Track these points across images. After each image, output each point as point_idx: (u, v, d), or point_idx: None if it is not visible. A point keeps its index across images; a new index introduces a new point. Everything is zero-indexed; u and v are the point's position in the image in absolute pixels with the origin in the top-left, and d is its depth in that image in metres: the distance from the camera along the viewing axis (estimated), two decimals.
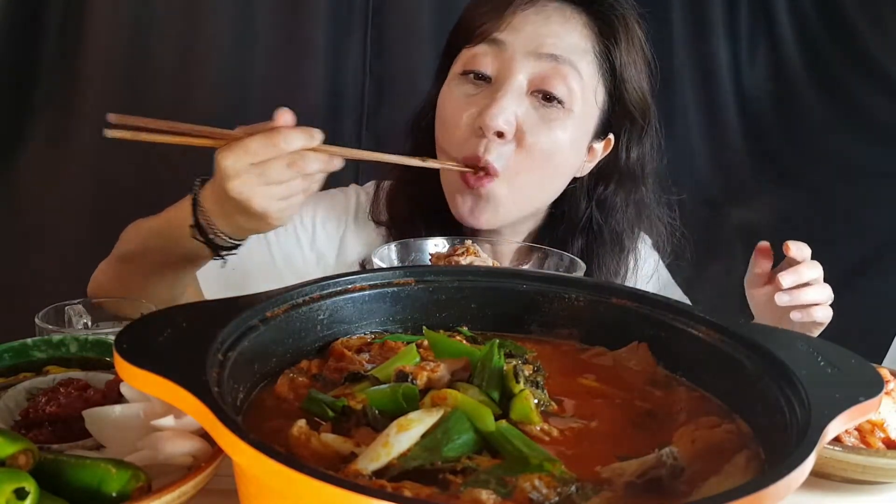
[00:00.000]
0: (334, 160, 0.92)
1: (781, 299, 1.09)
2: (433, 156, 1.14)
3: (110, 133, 0.93)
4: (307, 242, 1.23)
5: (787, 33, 2.00)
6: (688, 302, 1.36)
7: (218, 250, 0.99)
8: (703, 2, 1.99)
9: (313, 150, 0.89)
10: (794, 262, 1.11)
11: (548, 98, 1.08)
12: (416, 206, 1.21)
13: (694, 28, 2.01)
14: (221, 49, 1.85)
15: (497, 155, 1.07)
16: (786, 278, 1.09)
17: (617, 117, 1.16)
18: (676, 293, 1.38)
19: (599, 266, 1.20)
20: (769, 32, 2.02)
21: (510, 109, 1.06)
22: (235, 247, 0.99)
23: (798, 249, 1.10)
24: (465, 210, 1.12)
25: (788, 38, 2.00)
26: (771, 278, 1.15)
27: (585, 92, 1.10)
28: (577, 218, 1.20)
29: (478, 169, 1.08)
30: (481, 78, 1.10)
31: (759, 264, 1.17)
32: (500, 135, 1.06)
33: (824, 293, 1.12)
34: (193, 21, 1.84)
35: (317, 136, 0.89)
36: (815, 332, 1.16)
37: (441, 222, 1.18)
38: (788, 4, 1.99)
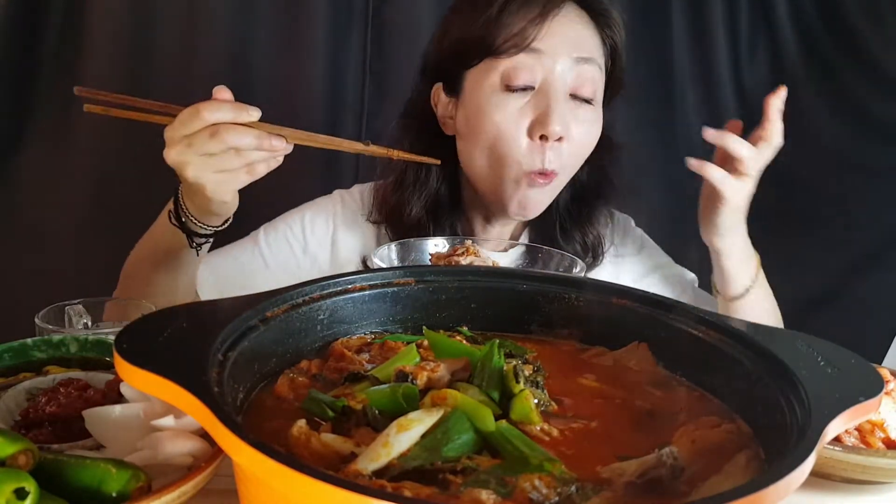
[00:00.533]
0: (273, 139, 0.95)
1: (707, 134, 1.12)
2: (441, 157, 1.16)
3: (87, 108, 0.98)
4: (299, 249, 1.30)
5: (787, 33, 2.00)
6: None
7: (191, 236, 1.07)
8: (703, 2, 2.00)
9: (249, 126, 0.94)
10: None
11: (579, 99, 1.17)
12: (419, 207, 1.25)
13: (694, 28, 2.01)
14: (221, 49, 1.85)
15: (554, 158, 1.16)
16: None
17: (606, 92, 1.26)
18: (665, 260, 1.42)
19: (588, 219, 1.30)
20: (769, 32, 2.02)
21: (565, 115, 1.15)
22: (208, 235, 1.08)
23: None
24: (525, 203, 1.19)
25: (788, 38, 2.00)
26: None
27: (601, 84, 1.21)
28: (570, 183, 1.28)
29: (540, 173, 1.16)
30: (523, 88, 1.15)
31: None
32: (559, 139, 1.15)
33: (749, 157, 1.12)
34: (193, 21, 1.84)
35: (252, 112, 0.94)
36: (721, 210, 1.14)
37: (438, 220, 1.25)
38: (788, 4, 1.99)
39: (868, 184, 1.96)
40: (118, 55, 1.83)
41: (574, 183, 1.27)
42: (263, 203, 1.31)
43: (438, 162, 1.11)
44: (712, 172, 1.11)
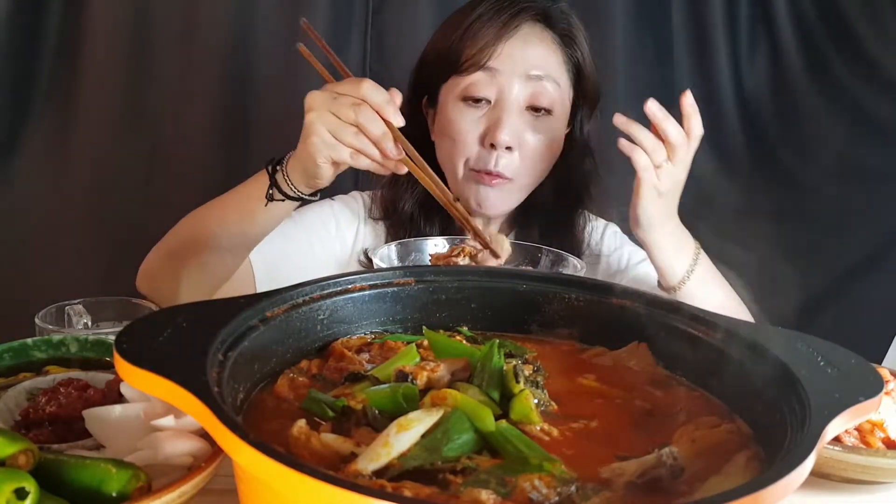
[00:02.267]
0: (390, 145, 0.99)
1: (618, 121, 1.09)
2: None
3: (300, 48, 1.05)
4: (334, 230, 1.38)
5: (787, 33, 2.00)
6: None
7: (273, 186, 1.09)
8: (703, 2, 2.00)
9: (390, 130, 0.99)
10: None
11: (538, 110, 1.27)
12: (411, 203, 1.35)
13: (694, 28, 2.01)
14: (221, 49, 1.85)
15: (505, 164, 1.26)
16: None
17: (577, 104, 1.36)
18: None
19: (566, 223, 1.39)
20: (769, 32, 2.02)
21: (514, 127, 1.25)
22: (289, 196, 1.09)
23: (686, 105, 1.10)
24: (480, 200, 1.29)
25: (788, 38, 2.00)
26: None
27: (562, 95, 1.30)
28: (544, 186, 1.36)
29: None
30: (479, 101, 1.26)
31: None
32: (509, 148, 1.25)
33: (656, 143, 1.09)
34: (193, 21, 1.84)
35: (399, 119, 0.99)
36: (642, 196, 1.11)
37: (435, 217, 1.33)
38: (788, 4, 1.99)
39: (868, 184, 1.96)
40: (118, 55, 1.83)
41: (554, 188, 1.36)
42: None
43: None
44: (638, 157, 1.09)
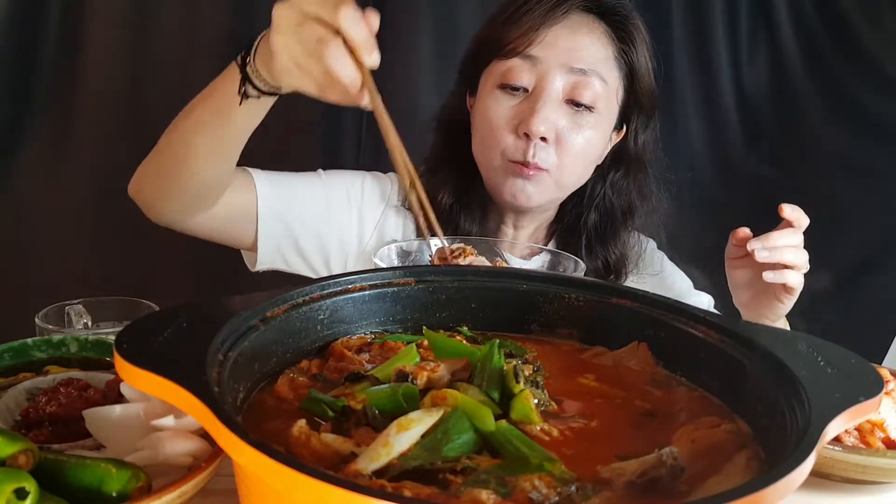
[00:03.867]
0: (363, 96, 0.88)
1: (761, 255, 1.09)
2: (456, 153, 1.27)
3: None
4: (356, 203, 1.32)
5: (787, 33, 2.00)
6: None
7: (246, 80, 0.97)
8: (703, 2, 1.99)
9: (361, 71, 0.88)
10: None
11: (578, 105, 1.21)
12: (449, 196, 1.30)
13: (694, 28, 2.01)
14: (221, 49, 1.84)
15: (542, 156, 1.21)
16: (759, 241, 1.10)
17: (630, 109, 1.29)
18: (685, 283, 1.43)
19: (614, 237, 1.34)
20: (769, 32, 2.02)
21: (550, 118, 1.19)
22: (261, 91, 0.97)
23: (791, 211, 1.11)
24: (514, 192, 1.24)
25: (788, 38, 2.00)
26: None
27: (609, 94, 1.24)
28: (593, 197, 1.34)
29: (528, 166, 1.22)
30: (517, 89, 1.21)
31: (737, 237, 1.18)
32: (544, 139, 1.20)
33: (800, 257, 1.11)
34: (193, 21, 1.84)
35: (375, 57, 0.88)
36: (787, 301, 1.16)
37: (475, 211, 1.30)
38: (788, 4, 1.99)
39: (868, 184, 1.96)
40: (118, 55, 1.83)
41: (602, 200, 1.32)
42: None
43: None
44: (791, 279, 1.12)
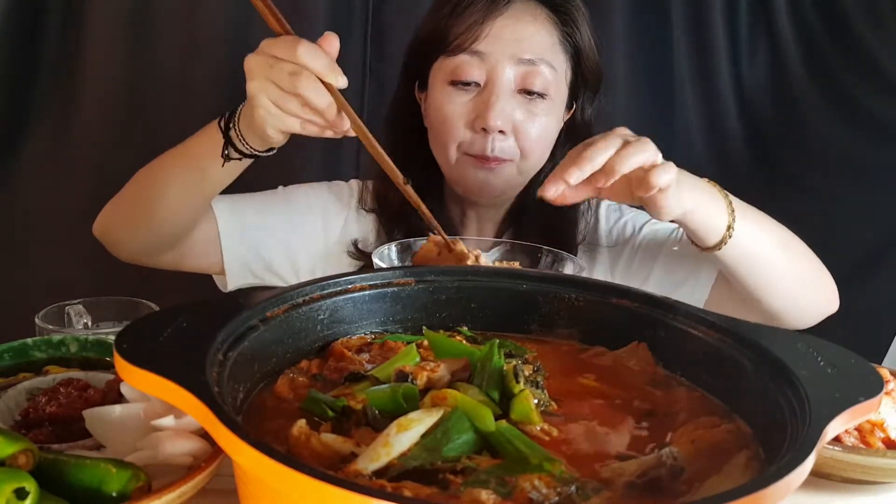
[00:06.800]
0: (340, 119, 0.92)
1: (573, 177, 0.91)
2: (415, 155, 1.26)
3: None
4: (319, 213, 1.34)
5: (787, 33, 2.00)
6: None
7: (229, 144, 1.03)
8: (703, 2, 1.99)
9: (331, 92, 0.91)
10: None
11: (531, 93, 1.21)
12: (400, 195, 1.23)
13: (694, 28, 2.01)
14: (220, 49, 1.84)
15: (502, 147, 1.21)
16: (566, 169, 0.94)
17: (577, 87, 1.30)
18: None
19: (565, 213, 1.30)
20: (769, 32, 2.02)
21: (506, 111, 1.20)
22: (243, 154, 1.04)
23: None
24: (479, 185, 1.24)
25: (788, 38, 2.00)
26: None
27: (558, 79, 1.24)
28: (543, 172, 1.29)
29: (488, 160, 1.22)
30: (468, 84, 1.21)
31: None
32: (502, 132, 1.20)
33: (644, 151, 0.93)
34: (193, 21, 1.84)
35: (340, 81, 0.91)
36: (664, 204, 0.97)
37: (427, 203, 1.21)
38: (788, 4, 1.99)
39: (868, 184, 1.96)
40: (118, 55, 1.83)
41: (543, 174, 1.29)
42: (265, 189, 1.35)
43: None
44: (620, 169, 0.93)
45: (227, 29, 1.84)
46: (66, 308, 0.99)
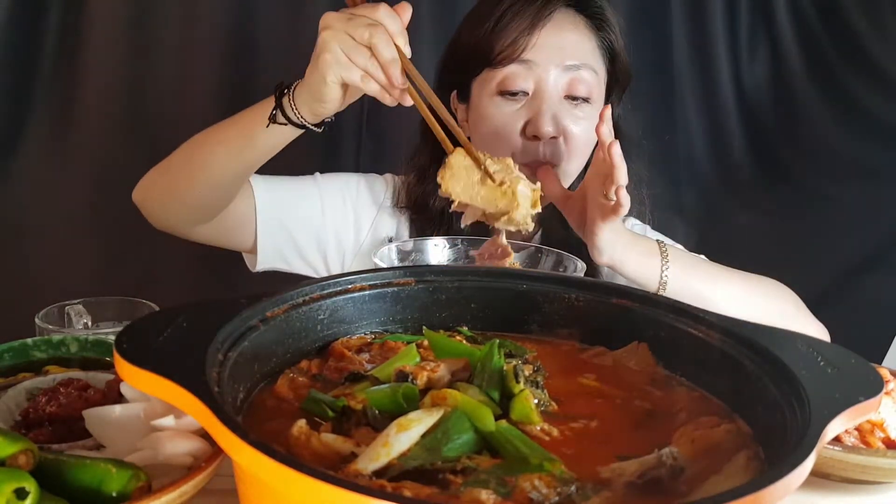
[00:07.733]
0: (400, 74, 0.96)
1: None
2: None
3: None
4: (351, 202, 1.36)
5: (787, 33, 2.00)
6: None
7: (278, 108, 1.06)
8: (703, 2, 2.00)
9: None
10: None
11: (576, 98, 1.26)
12: (440, 197, 1.26)
13: (694, 28, 2.01)
14: (221, 49, 1.85)
15: (553, 152, 1.26)
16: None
17: (611, 87, 1.35)
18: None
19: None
20: (769, 32, 2.02)
21: (556, 117, 1.24)
22: (292, 122, 1.06)
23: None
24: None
25: (788, 38, 2.00)
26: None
27: (599, 82, 1.30)
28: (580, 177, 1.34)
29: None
30: (517, 93, 1.26)
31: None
32: (553, 138, 1.25)
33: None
34: (193, 21, 1.84)
35: (407, 47, 0.97)
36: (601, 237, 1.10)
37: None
38: (788, 4, 1.99)
39: (868, 184, 1.96)
40: (118, 55, 1.83)
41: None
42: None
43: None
44: (617, 156, 1.06)
45: (227, 31, 1.84)
46: (66, 308, 0.99)
